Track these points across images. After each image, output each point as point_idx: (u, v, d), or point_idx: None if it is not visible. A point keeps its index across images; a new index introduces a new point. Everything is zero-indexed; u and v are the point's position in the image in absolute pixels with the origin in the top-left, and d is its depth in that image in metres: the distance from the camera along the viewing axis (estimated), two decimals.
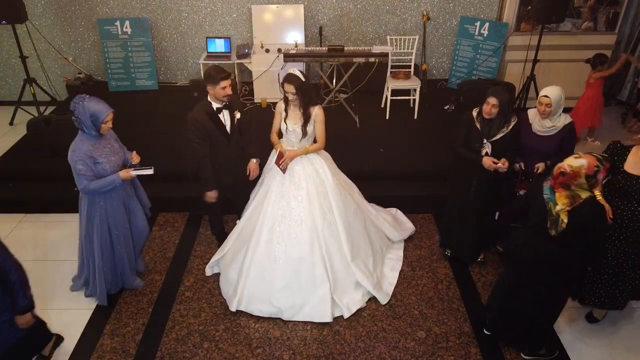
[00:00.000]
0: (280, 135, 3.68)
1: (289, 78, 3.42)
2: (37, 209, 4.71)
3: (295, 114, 3.53)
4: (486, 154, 3.57)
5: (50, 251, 4.25)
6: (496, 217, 4.16)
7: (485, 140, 3.55)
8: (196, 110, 3.57)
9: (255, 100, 6.19)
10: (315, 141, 3.63)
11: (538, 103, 3.55)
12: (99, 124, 3.15)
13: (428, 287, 3.84)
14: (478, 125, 3.58)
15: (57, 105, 6.27)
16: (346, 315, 3.54)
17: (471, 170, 3.65)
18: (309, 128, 3.53)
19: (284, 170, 3.55)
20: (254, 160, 3.76)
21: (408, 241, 4.28)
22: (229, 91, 3.47)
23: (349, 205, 3.78)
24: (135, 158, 3.45)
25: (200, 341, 3.39)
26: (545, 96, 3.47)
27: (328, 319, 3.48)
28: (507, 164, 3.50)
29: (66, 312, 3.63)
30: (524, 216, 3.07)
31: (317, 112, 3.52)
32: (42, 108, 6.04)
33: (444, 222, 4.18)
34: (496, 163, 3.50)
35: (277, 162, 3.56)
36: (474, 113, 3.64)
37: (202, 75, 3.60)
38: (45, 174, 4.88)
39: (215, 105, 3.54)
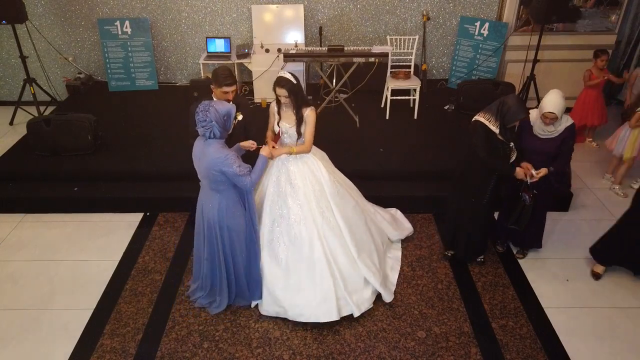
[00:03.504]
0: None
1: (281, 82, 3.41)
2: (37, 209, 4.70)
3: (289, 115, 3.53)
4: (516, 157, 3.58)
5: (50, 251, 4.25)
6: (496, 218, 4.18)
7: (512, 144, 3.54)
8: (198, 103, 3.58)
9: (255, 100, 6.19)
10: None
11: (543, 116, 3.51)
12: (232, 120, 3.14)
13: (428, 287, 3.84)
14: (502, 137, 3.50)
15: (57, 105, 6.27)
16: (356, 314, 3.49)
17: (489, 173, 3.61)
18: (303, 129, 3.52)
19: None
20: None
21: (408, 241, 4.28)
22: (230, 97, 3.49)
23: (347, 202, 3.77)
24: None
25: (200, 341, 3.39)
26: (552, 112, 3.45)
27: (334, 317, 3.43)
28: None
29: (66, 312, 3.63)
30: None
31: (308, 113, 3.51)
32: (42, 108, 6.04)
33: (448, 223, 4.14)
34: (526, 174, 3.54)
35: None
36: (491, 126, 3.46)
37: (211, 73, 3.61)
38: (45, 174, 4.88)
39: None
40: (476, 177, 3.66)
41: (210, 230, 3.34)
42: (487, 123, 3.49)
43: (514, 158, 3.59)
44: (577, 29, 6.15)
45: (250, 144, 3.37)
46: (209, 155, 3.11)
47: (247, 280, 3.55)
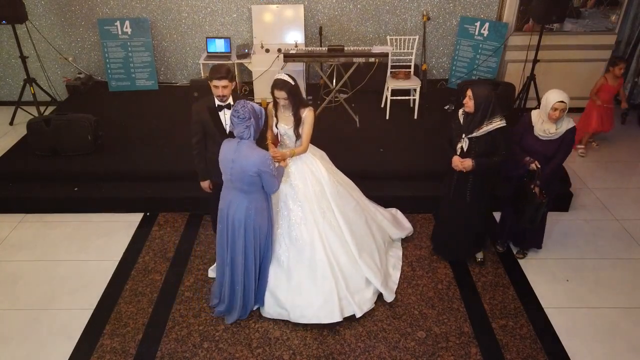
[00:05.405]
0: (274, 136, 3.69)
1: (279, 84, 3.38)
2: (37, 209, 4.70)
3: (287, 116, 3.52)
4: (461, 148, 3.55)
5: (51, 251, 4.25)
6: (498, 218, 4.18)
7: (463, 135, 3.53)
8: (200, 102, 3.60)
9: (256, 100, 6.18)
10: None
11: (552, 109, 3.48)
12: (263, 120, 3.12)
13: (428, 287, 3.84)
14: (461, 120, 3.57)
15: (57, 105, 6.27)
16: (358, 315, 3.48)
17: (451, 168, 3.66)
18: (301, 130, 3.52)
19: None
20: None
21: (408, 241, 4.28)
22: (218, 92, 3.42)
23: (347, 202, 3.77)
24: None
25: (200, 341, 3.39)
26: (562, 101, 3.44)
27: (337, 318, 3.42)
28: (468, 164, 3.51)
29: (66, 312, 3.64)
30: None
31: (306, 114, 3.49)
32: (42, 108, 6.04)
33: (436, 224, 4.14)
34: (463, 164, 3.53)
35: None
36: (460, 110, 3.64)
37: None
38: (45, 174, 4.88)
39: (217, 102, 3.54)
40: (446, 174, 3.75)
41: (234, 231, 3.27)
42: (460, 112, 3.62)
43: (459, 147, 3.57)
44: (576, 29, 6.15)
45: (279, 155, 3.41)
46: (246, 156, 3.01)
47: (258, 283, 3.51)
